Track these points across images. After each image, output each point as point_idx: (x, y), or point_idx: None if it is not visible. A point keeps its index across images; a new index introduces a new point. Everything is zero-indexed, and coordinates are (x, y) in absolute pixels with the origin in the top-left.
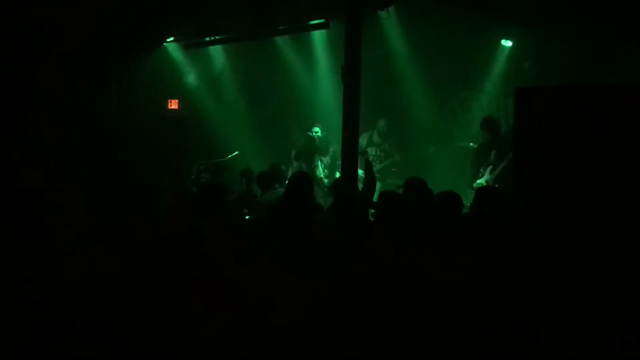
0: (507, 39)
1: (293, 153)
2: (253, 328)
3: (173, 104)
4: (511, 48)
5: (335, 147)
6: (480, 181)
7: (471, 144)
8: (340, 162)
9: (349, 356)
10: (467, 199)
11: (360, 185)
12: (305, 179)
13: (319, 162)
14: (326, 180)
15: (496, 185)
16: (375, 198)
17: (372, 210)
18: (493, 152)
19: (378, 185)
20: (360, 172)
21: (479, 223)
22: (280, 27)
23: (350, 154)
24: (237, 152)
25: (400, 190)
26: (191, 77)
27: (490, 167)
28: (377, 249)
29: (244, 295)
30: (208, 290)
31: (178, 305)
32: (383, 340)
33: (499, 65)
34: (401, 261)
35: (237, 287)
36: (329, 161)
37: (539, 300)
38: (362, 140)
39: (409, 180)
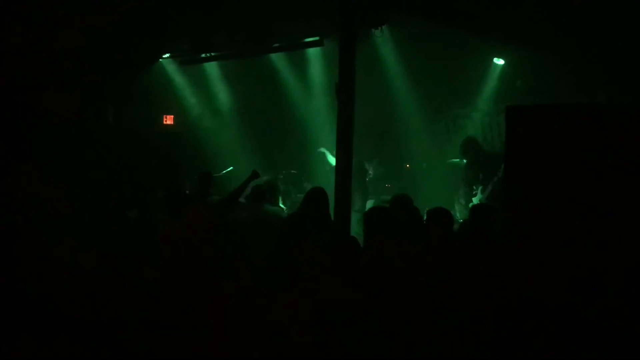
0: (499, 57)
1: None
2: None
3: (168, 120)
4: (503, 66)
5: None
6: (475, 200)
7: (464, 160)
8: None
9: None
10: (456, 215)
11: None
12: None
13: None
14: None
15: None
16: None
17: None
18: (480, 173)
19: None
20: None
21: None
22: (276, 45)
23: (344, 170)
24: (231, 168)
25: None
26: (187, 93)
27: (482, 186)
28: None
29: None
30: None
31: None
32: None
33: (492, 83)
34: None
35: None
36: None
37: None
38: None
39: (396, 196)
